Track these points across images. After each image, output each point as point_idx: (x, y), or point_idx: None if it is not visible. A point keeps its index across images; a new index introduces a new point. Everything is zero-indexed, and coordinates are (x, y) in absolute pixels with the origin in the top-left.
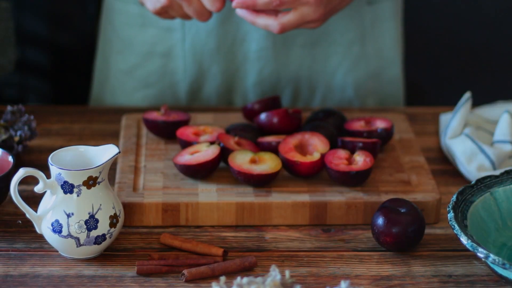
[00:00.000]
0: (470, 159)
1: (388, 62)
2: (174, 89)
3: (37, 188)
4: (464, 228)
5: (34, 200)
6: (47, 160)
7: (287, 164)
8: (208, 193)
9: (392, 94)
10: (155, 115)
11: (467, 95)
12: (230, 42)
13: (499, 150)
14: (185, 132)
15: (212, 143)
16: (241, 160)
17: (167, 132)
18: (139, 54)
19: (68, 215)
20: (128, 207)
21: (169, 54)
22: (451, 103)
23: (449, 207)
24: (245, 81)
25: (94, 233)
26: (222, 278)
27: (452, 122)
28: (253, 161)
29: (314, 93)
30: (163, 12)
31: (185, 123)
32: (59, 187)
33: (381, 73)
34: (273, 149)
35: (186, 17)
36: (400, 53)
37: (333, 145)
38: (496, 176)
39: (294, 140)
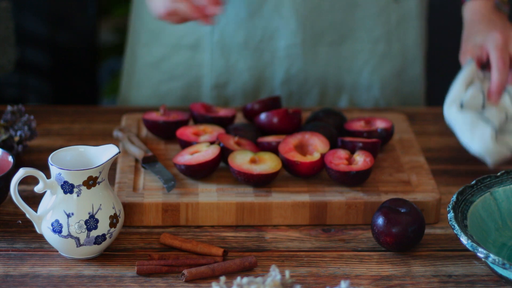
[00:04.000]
0: (472, 129)
1: (411, 60)
2: (200, 83)
3: (37, 188)
4: (464, 228)
5: (34, 200)
6: (47, 160)
7: (287, 164)
8: (208, 193)
9: (413, 93)
10: (155, 116)
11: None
12: (258, 37)
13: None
14: (185, 132)
15: (212, 143)
16: (241, 160)
17: (167, 132)
18: (167, 46)
19: (68, 215)
20: (128, 207)
21: (196, 46)
22: None
23: (449, 207)
24: (273, 80)
25: (94, 233)
26: (222, 278)
27: (453, 88)
28: (253, 161)
29: (340, 93)
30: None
31: (185, 123)
32: (59, 187)
33: (404, 71)
34: (273, 149)
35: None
36: (422, 51)
37: (333, 145)
38: (496, 176)
39: (294, 140)
